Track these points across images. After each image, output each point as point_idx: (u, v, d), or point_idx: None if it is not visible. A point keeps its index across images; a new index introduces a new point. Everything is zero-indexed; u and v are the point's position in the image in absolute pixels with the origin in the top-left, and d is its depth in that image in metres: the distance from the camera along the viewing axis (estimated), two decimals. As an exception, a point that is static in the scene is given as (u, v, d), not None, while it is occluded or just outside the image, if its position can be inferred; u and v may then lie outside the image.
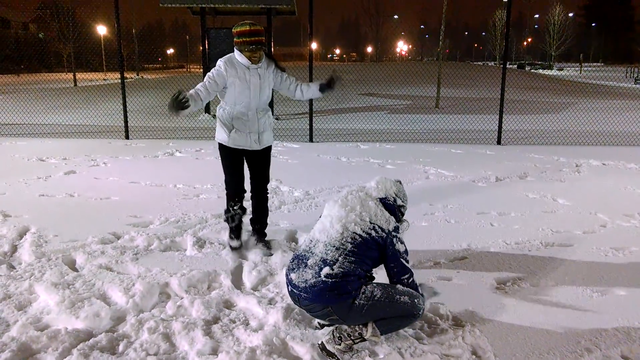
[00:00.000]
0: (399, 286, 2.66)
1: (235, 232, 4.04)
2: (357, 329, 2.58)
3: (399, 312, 2.58)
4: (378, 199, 2.79)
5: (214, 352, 2.64)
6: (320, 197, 5.49)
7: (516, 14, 72.26)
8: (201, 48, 12.22)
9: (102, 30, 38.06)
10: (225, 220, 4.08)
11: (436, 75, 15.70)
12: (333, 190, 5.71)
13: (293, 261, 2.72)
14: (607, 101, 16.01)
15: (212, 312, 3.01)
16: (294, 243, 4.26)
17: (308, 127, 9.60)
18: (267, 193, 4.18)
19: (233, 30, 3.74)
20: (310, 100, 9.55)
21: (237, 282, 3.48)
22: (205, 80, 3.79)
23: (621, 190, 5.94)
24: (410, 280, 2.69)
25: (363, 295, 2.53)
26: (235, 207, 4.02)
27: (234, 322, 2.94)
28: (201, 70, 12.92)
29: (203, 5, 11.71)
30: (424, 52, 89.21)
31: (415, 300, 2.63)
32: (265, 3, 11.48)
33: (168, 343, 2.72)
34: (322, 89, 3.95)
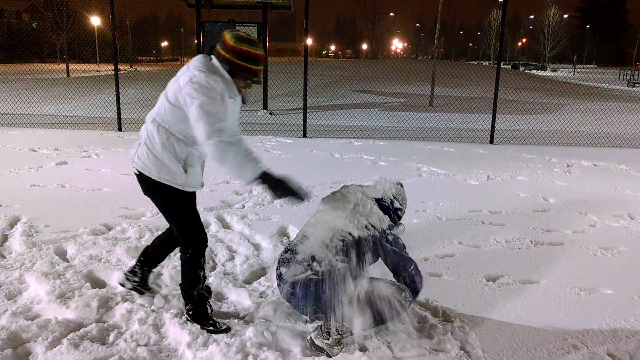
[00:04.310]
0: (386, 281, 2.67)
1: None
2: (346, 323, 2.59)
3: (386, 306, 2.59)
4: (374, 199, 2.78)
5: (205, 344, 2.64)
6: (312, 193, 5.48)
7: (511, 15, 72.50)
8: (196, 41, 12.18)
9: (95, 21, 37.76)
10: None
11: (430, 74, 15.73)
12: (326, 186, 5.72)
13: (284, 255, 2.71)
14: (600, 103, 16.12)
15: (203, 304, 3.01)
16: (285, 237, 4.27)
17: (302, 122, 9.60)
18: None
19: (233, 41, 2.58)
20: (305, 96, 9.56)
21: (229, 275, 3.49)
22: (215, 122, 2.52)
23: (611, 191, 6.00)
24: (413, 270, 2.67)
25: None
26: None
27: (225, 314, 2.95)
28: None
29: (199, -2, 11.67)
30: (418, 51, 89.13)
31: (403, 294, 2.64)
32: (261, -3, 11.46)
33: (158, 334, 2.72)
34: None
